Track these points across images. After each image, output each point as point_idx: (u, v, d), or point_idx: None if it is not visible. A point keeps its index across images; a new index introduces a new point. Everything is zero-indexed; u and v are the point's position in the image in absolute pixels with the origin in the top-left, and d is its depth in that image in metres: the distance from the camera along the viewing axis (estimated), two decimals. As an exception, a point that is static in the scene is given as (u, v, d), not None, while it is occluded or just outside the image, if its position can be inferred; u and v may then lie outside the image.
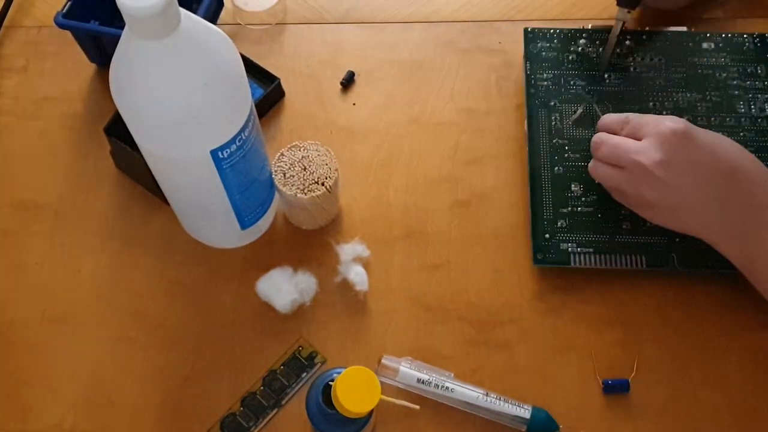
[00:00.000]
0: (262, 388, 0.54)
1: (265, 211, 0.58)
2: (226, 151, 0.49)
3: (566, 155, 0.62)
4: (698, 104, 0.64)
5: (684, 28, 0.66)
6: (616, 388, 0.53)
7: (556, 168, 0.61)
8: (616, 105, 0.63)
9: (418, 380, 0.52)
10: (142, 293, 0.58)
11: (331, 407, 0.45)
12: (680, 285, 0.57)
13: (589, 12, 0.71)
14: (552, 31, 0.67)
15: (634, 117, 0.56)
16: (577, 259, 0.58)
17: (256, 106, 0.57)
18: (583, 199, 0.60)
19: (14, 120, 0.67)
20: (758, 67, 0.65)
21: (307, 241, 0.60)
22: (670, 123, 0.53)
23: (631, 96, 0.64)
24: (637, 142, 0.54)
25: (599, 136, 0.57)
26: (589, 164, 0.58)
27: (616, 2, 0.63)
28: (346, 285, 0.57)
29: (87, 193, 0.63)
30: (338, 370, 0.46)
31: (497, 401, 0.51)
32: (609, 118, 0.58)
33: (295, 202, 0.56)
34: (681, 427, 0.52)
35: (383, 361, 0.53)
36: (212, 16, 0.69)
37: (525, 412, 0.51)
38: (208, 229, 0.59)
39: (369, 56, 0.69)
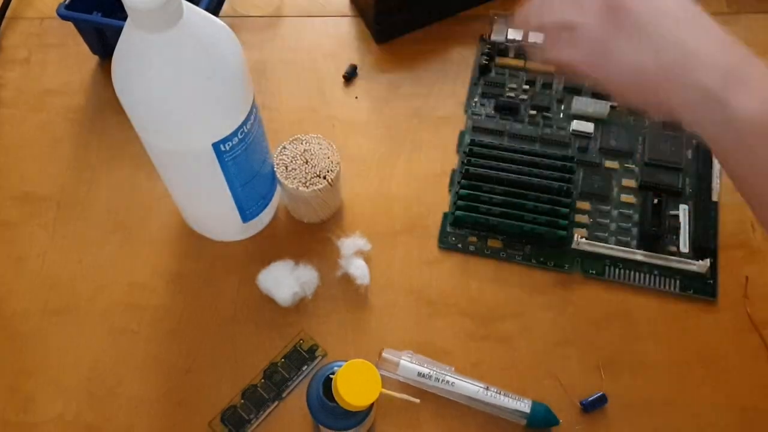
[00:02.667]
0: (263, 380, 0.54)
1: (266, 205, 0.58)
2: (228, 144, 0.49)
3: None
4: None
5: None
6: (595, 405, 0.52)
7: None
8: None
9: (419, 374, 0.52)
10: (143, 286, 0.58)
11: (331, 400, 0.45)
12: (681, 280, 0.57)
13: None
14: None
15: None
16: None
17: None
18: (584, 193, 0.60)
19: (16, 112, 0.67)
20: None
21: (308, 235, 0.60)
22: None
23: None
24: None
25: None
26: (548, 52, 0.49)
27: None
28: (347, 279, 0.57)
29: (89, 185, 0.63)
30: (339, 363, 0.46)
31: (497, 395, 0.51)
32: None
33: (297, 196, 0.56)
34: (681, 426, 0.52)
35: (384, 354, 0.53)
36: (214, 9, 0.69)
37: (525, 406, 0.51)
38: (210, 222, 0.59)
39: (371, 49, 0.69)
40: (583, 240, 0.57)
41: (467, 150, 0.61)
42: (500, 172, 0.60)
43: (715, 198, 0.59)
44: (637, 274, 0.57)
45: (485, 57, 0.66)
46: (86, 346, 0.56)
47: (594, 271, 0.57)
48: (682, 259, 0.57)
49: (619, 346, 0.55)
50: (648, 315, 0.56)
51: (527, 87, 0.65)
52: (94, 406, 0.54)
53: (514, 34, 0.67)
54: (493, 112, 0.64)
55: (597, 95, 0.64)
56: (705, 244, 0.57)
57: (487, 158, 0.61)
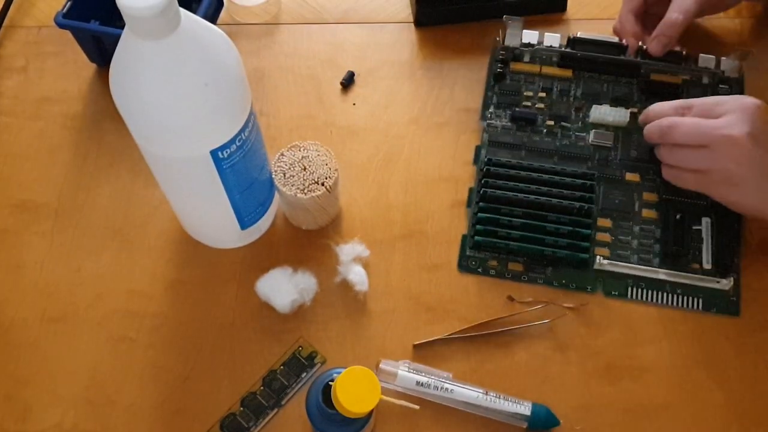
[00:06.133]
0: (262, 388, 0.54)
1: (265, 211, 0.58)
2: (226, 151, 0.49)
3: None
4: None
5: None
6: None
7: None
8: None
9: (417, 383, 0.52)
10: (142, 293, 0.58)
11: (331, 407, 0.45)
12: (680, 285, 0.57)
13: (589, 13, 0.71)
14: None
15: (697, 100, 0.56)
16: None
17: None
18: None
19: (14, 120, 0.67)
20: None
21: (307, 241, 0.60)
22: (752, 99, 0.53)
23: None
24: (718, 120, 0.53)
25: (670, 120, 0.56)
26: (660, 150, 0.58)
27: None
28: (346, 285, 0.57)
29: (87, 193, 0.63)
30: (338, 370, 0.46)
31: (497, 399, 0.51)
32: (664, 106, 0.58)
33: (295, 202, 0.56)
34: (681, 427, 0.52)
35: (381, 366, 0.52)
36: (212, 16, 0.69)
37: (525, 408, 0.51)
38: (208, 229, 0.59)
39: (369, 56, 0.69)
40: (606, 261, 0.56)
41: (484, 169, 0.60)
42: (518, 194, 0.58)
43: None
44: (661, 293, 0.56)
45: (499, 64, 0.64)
46: (84, 354, 0.56)
47: (617, 293, 0.56)
48: (705, 276, 0.56)
49: (619, 351, 0.55)
50: (647, 319, 0.56)
51: (543, 95, 0.64)
52: (92, 415, 0.54)
53: (529, 38, 0.65)
54: (509, 123, 0.63)
55: (616, 101, 0.63)
56: (728, 259, 0.56)
57: (504, 179, 0.59)
